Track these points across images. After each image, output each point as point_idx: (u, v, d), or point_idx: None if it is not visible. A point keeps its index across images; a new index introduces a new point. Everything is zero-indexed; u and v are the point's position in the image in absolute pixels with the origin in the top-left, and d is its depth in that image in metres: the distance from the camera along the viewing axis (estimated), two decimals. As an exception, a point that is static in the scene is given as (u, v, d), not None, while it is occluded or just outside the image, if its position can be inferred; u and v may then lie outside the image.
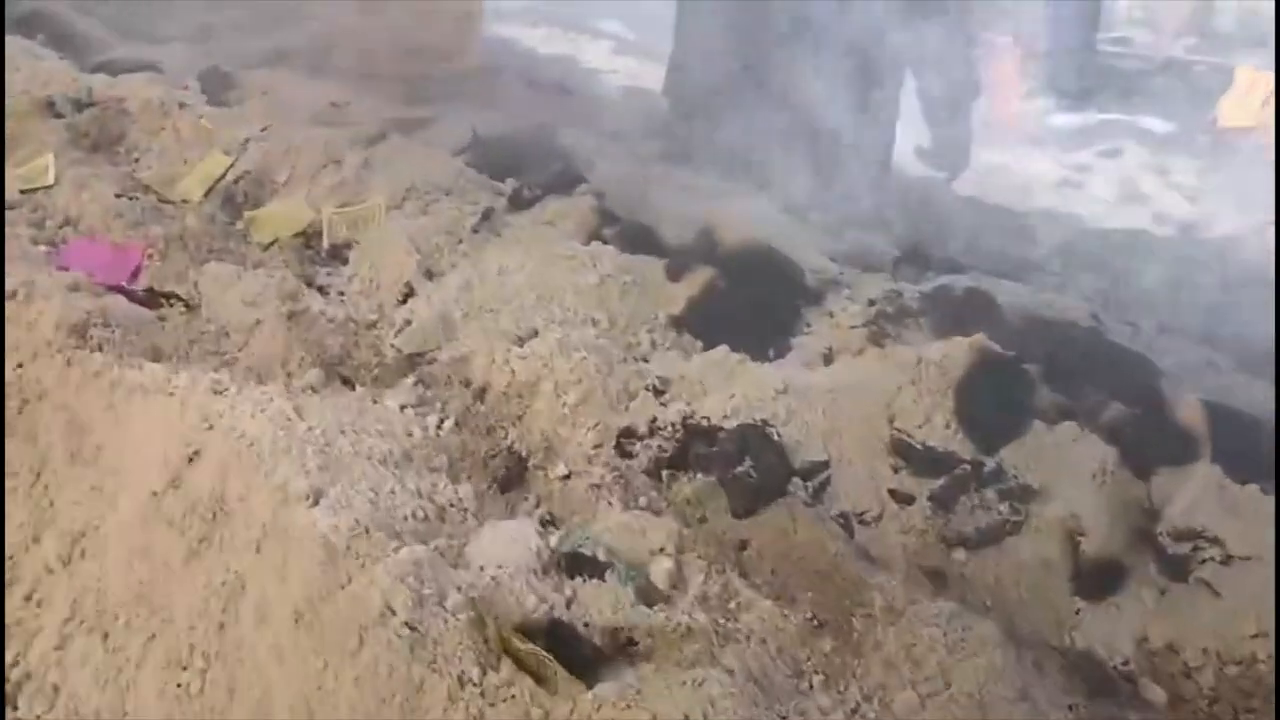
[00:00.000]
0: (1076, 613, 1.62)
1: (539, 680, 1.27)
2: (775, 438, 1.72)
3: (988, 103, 9.01)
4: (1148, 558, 1.67)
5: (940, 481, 1.74)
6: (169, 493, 1.56)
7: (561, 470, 1.78)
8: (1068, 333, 2.07)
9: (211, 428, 1.63)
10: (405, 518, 1.57)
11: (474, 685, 1.21)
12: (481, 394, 1.95)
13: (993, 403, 1.79)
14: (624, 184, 2.79)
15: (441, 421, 1.89)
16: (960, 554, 1.70)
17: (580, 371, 1.91)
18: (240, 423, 1.61)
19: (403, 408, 1.91)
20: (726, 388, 1.92)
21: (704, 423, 1.78)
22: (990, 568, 1.68)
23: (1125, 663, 1.56)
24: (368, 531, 1.39)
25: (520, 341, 2.04)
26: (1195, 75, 10.62)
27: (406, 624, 1.23)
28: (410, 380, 2.03)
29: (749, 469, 1.68)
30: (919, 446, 1.76)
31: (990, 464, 1.74)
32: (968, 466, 1.74)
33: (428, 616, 1.25)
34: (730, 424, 1.76)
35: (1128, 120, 9.45)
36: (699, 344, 2.21)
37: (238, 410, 1.66)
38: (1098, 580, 1.64)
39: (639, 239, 2.45)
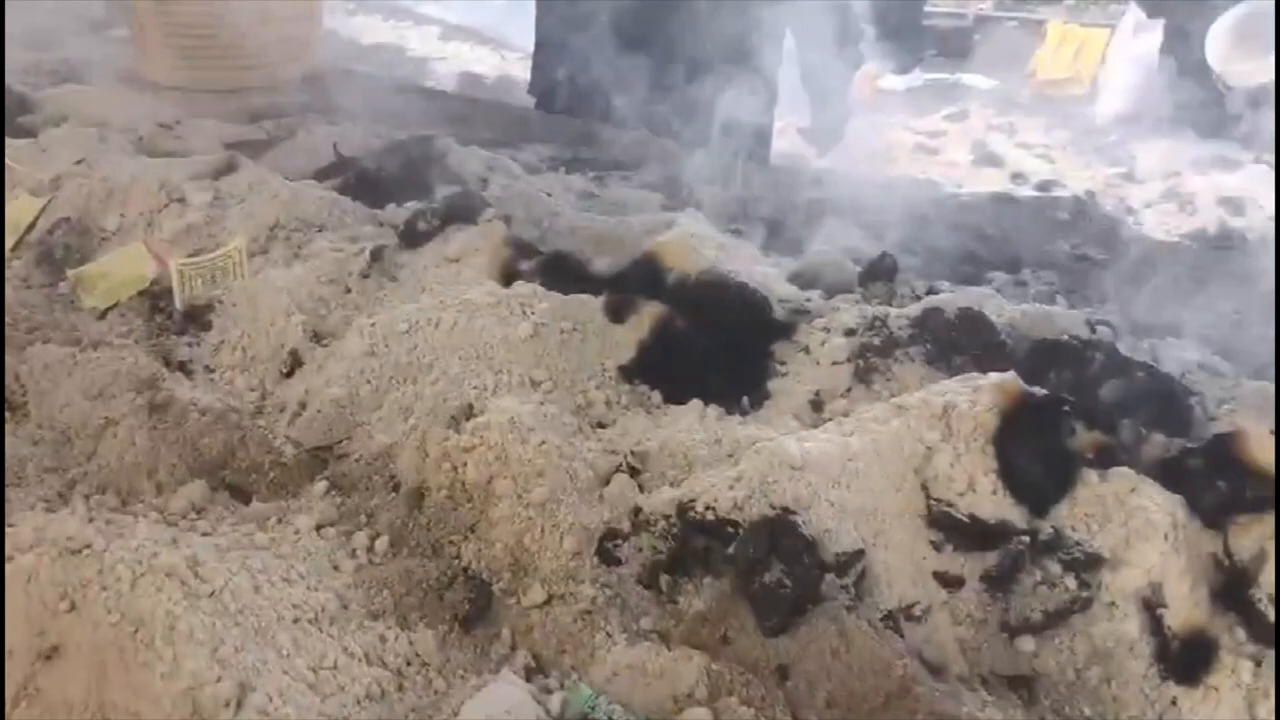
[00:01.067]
0: (1174, 703, 1.37)
1: None
2: (803, 529, 1.40)
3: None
4: (1232, 623, 1.44)
5: (993, 557, 1.46)
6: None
7: (538, 594, 1.42)
8: (1076, 351, 1.82)
9: (74, 608, 1.20)
10: (358, 700, 1.19)
11: None
12: (418, 499, 1.56)
13: (1037, 454, 1.52)
14: (529, 204, 2.42)
15: (373, 542, 1.50)
16: (1028, 643, 1.43)
17: (542, 458, 1.54)
18: (118, 598, 1.19)
19: (319, 528, 1.51)
20: (720, 459, 1.60)
21: (709, 514, 1.44)
22: (1066, 658, 1.41)
23: (1243, 761, 1.33)
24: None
25: (455, 422, 1.66)
26: (1007, 31, 10.89)
27: None
28: (320, 486, 1.62)
29: (780, 576, 1.35)
30: (964, 518, 1.48)
31: (1046, 529, 1.48)
32: (1024, 537, 1.46)
33: None
34: (742, 513, 1.43)
35: (951, 79, 9.61)
36: (657, 395, 1.88)
37: (109, 575, 1.23)
38: (1188, 659, 1.40)
39: (565, 273, 2.09)
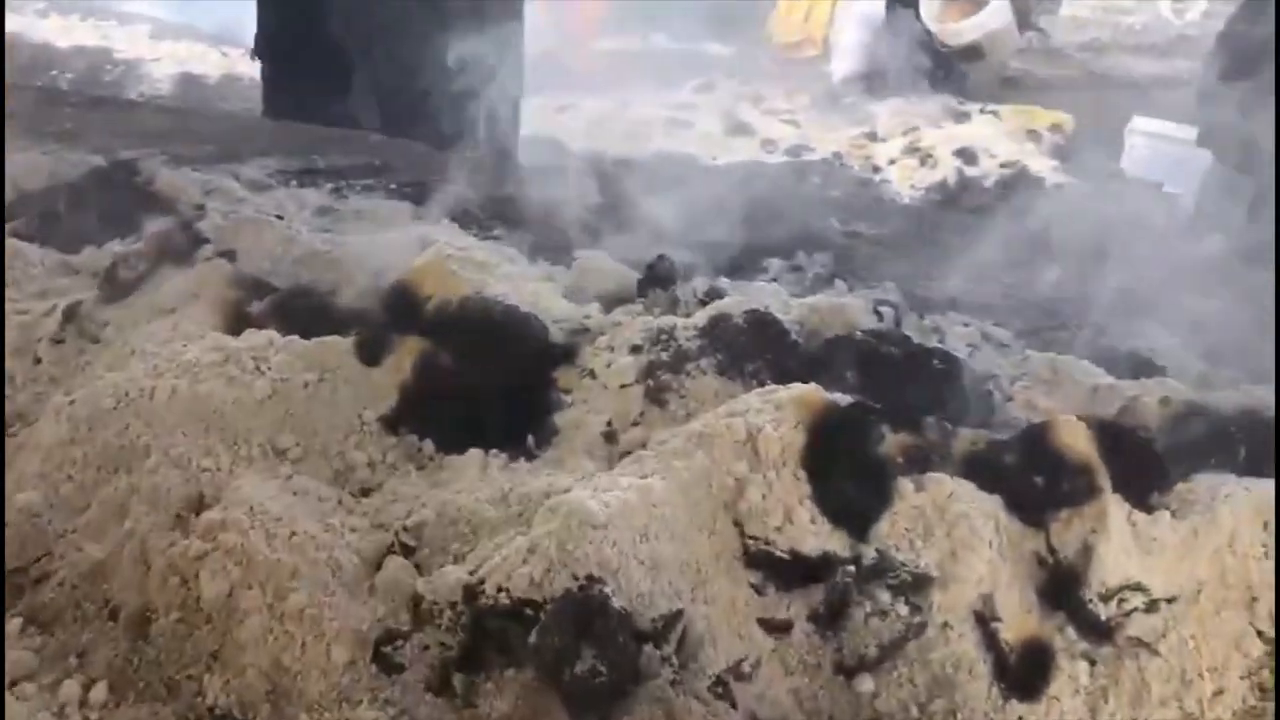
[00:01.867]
0: (1019, 721, 1.29)
1: None
2: (613, 603, 1.21)
3: (571, 50, 8.84)
4: (1062, 624, 1.37)
5: (819, 593, 1.33)
6: None
7: (306, 726, 1.17)
8: (867, 345, 1.72)
9: None
10: None
11: None
12: (142, 626, 1.27)
13: (850, 470, 1.40)
14: (258, 231, 2.10)
15: (87, 692, 1.20)
16: (866, 682, 1.31)
17: (294, 555, 1.29)
18: None
19: (13, 685, 1.20)
20: (510, 520, 1.39)
21: (502, 597, 1.23)
22: (906, 691, 1.30)
23: (1093, 774, 1.26)
24: None
25: (182, 522, 1.37)
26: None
27: None
28: (14, 625, 1.30)
29: (593, 663, 1.17)
30: (785, 554, 1.34)
31: (870, 553, 1.36)
32: (850, 566, 1.34)
33: None
34: (542, 590, 1.23)
35: (691, 49, 9.71)
36: (429, 445, 1.64)
37: None
38: (1027, 672, 1.32)
39: (306, 312, 1.81)
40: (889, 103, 7.80)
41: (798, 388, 1.48)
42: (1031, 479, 1.41)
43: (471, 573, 1.29)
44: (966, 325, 2.08)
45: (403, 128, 3.54)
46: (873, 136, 7.25)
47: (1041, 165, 6.73)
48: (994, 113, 7.46)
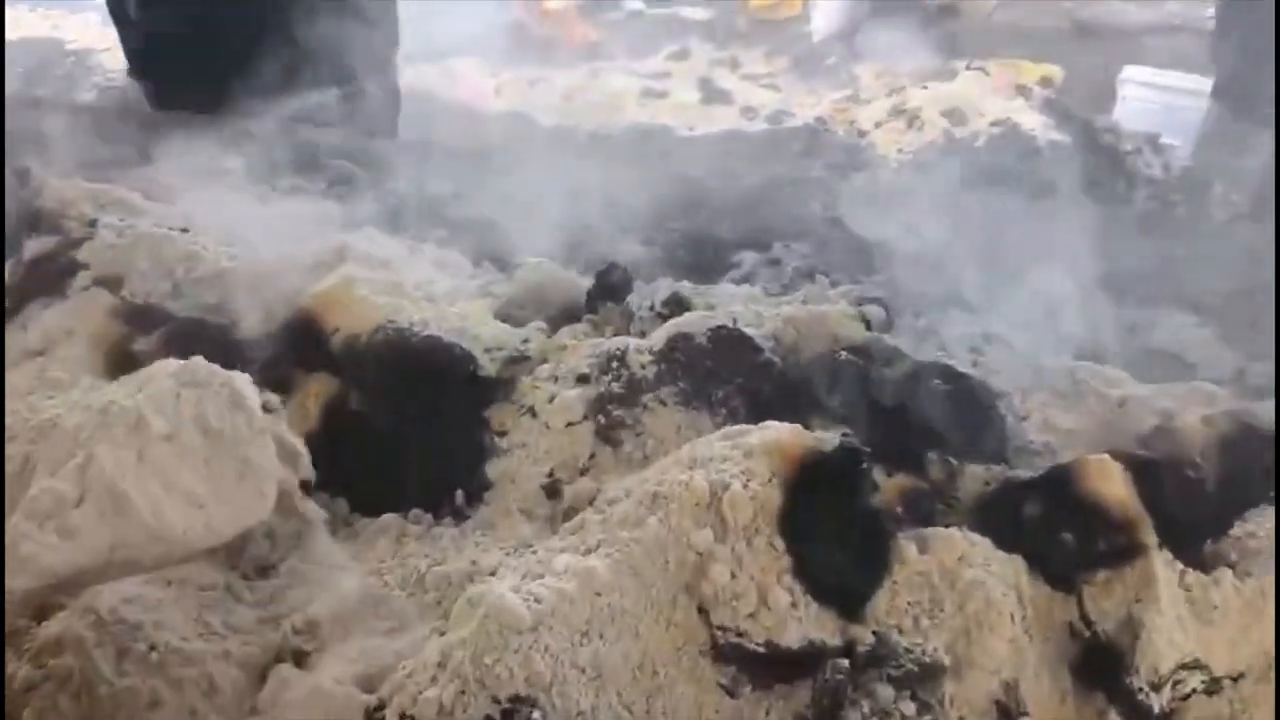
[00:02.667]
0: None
1: None
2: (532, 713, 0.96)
3: (544, 24, 8.52)
4: (1102, 707, 1.12)
5: (806, 693, 1.08)
6: None
7: None
8: (853, 365, 1.47)
9: None
10: None
11: None
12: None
13: (839, 534, 1.15)
14: (156, 249, 1.82)
15: None
16: (868, 801, 1.06)
17: (156, 676, 1.03)
18: None
19: None
20: (425, 610, 1.14)
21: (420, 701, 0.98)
22: (917, 809, 1.06)
23: None
24: None
25: (17, 635, 1.11)
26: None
27: None
28: None
29: (520, 816, 0.92)
30: (760, 648, 1.08)
31: (866, 638, 1.11)
32: (842, 659, 1.09)
33: None
34: (456, 718, 0.97)
35: (666, 13, 9.39)
36: (342, 505, 1.39)
37: None
38: (1063, 775, 1.08)
39: (203, 345, 1.54)
40: (872, 63, 7.49)
41: (772, 428, 1.22)
42: (1060, 534, 1.16)
43: (369, 689, 1.04)
44: (967, 326, 1.82)
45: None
46: (856, 99, 6.95)
47: (1033, 122, 6.45)
48: (981, 69, 7.16)
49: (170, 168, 2.39)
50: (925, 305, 1.93)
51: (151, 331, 1.61)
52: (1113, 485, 1.15)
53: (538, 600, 1.04)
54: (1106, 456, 1.18)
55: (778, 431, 1.21)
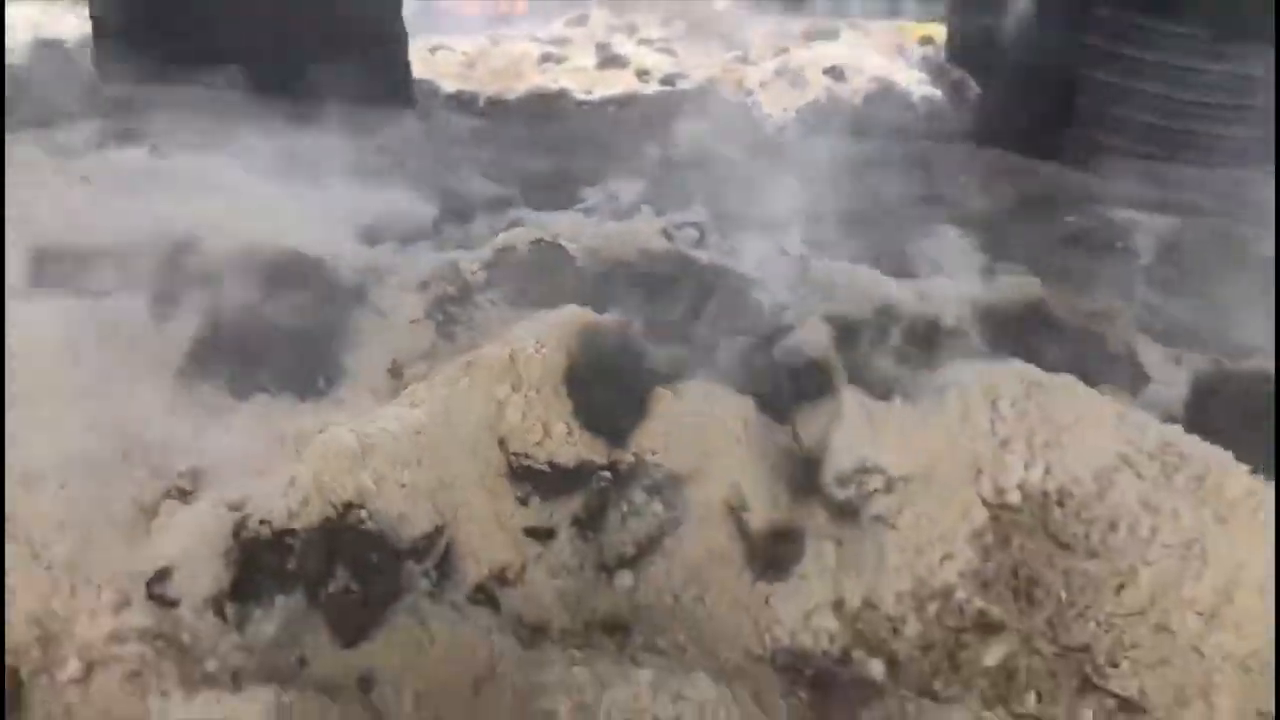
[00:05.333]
0: (767, 601, 1.40)
1: None
2: (368, 525, 1.29)
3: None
4: (815, 509, 1.48)
5: (580, 499, 1.42)
6: None
7: (75, 667, 1.23)
8: (651, 267, 1.81)
9: None
10: None
11: None
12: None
13: (611, 385, 1.49)
14: (66, 200, 2.08)
15: None
16: (625, 578, 1.40)
17: (64, 506, 1.33)
18: None
19: None
20: (283, 463, 1.45)
21: (264, 529, 1.30)
22: (663, 583, 1.40)
23: (832, 640, 1.37)
24: None
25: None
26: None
27: None
28: None
29: (348, 582, 1.24)
30: (544, 467, 1.42)
31: (628, 459, 1.45)
32: (605, 471, 1.43)
33: None
34: (300, 519, 1.29)
35: None
36: (224, 393, 1.68)
37: None
38: (775, 555, 1.43)
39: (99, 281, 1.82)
40: (763, 25, 7.82)
41: (564, 310, 1.55)
42: (772, 375, 1.51)
43: (237, 508, 1.35)
44: (769, 242, 2.16)
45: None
46: (744, 60, 7.29)
47: (908, 79, 6.84)
48: (862, 29, 7.54)
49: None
50: (736, 228, 2.27)
51: (54, 264, 1.88)
52: (818, 339, 1.51)
53: (368, 436, 1.36)
54: (817, 319, 1.53)
55: (568, 311, 1.55)
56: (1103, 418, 1.47)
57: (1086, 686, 1.33)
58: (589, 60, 7.68)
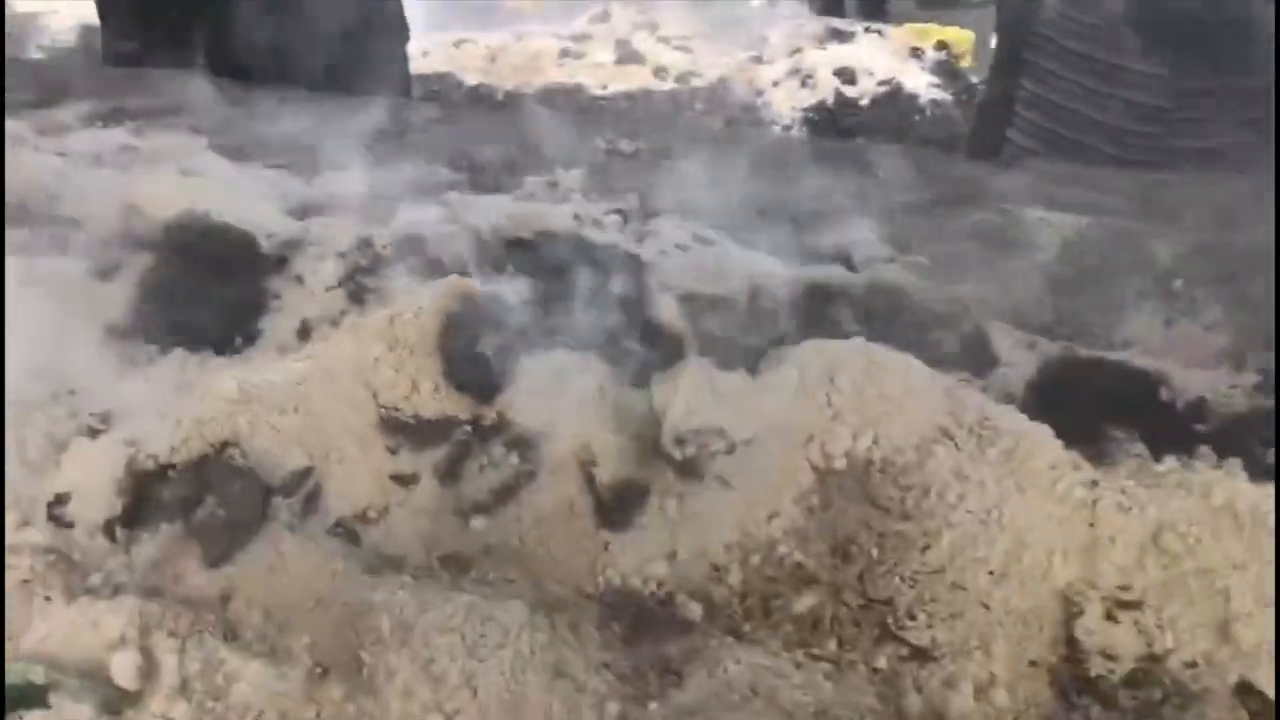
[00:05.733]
0: (606, 547, 1.54)
1: None
2: (239, 461, 1.45)
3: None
4: (664, 469, 1.62)
5: (443, 451, 1.58)
6: None
7: (-24, 577, 1.40)
8: (549, 247, 1.95)
9: None
10: None
11: None
12: None
13: (480, 349, 1.64)
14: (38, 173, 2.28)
15: None
16: (479, 522, 1.55)
17: (-21, 439, 1.51)
18: None
19: None
20: (174, 409, 1.61)
21: (150, 464, 1.47)
22: (513, 528, 1.55)
23: (660, 585, 1.51)
24: None
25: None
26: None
27: None
28: None
29: (215, 509, 1.41)
30: (410, 420, 1.57)
31: (491, 416, 1.60)
32: (468, 427, 1.58)
33: None
34: (180, 454, 1.46)
35: None
36: (153, 350, 1.86)
37: None
38: (620, 507, 1.57)
39: (53, 244, 2.01)
40: (782, 26, 7.92)
41: (446, 280, 1.71)
42: (641, 347, 1.65)
43: (132, 445, 1.52)
44: (679, 227, 2.30)
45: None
46: (759, 60, 7.40)
47: (919, 82, 6.91)
48: (879, 32, 7.60)
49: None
50: (659, 216, 2.41)
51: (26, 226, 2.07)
52: (672, 314, 1.64)
53: (250, 384, 1.52)
54: (672, 296, 1.67)
55: (447, 281, 1.70)
56: (932, 394, 1.59)
57: (885, 635, 1.45)
58: (608, 56, 7.84)
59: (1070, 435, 1.59)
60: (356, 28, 3.77)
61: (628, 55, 7.62)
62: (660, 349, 1.65)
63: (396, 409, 1.58)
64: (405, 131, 3.20)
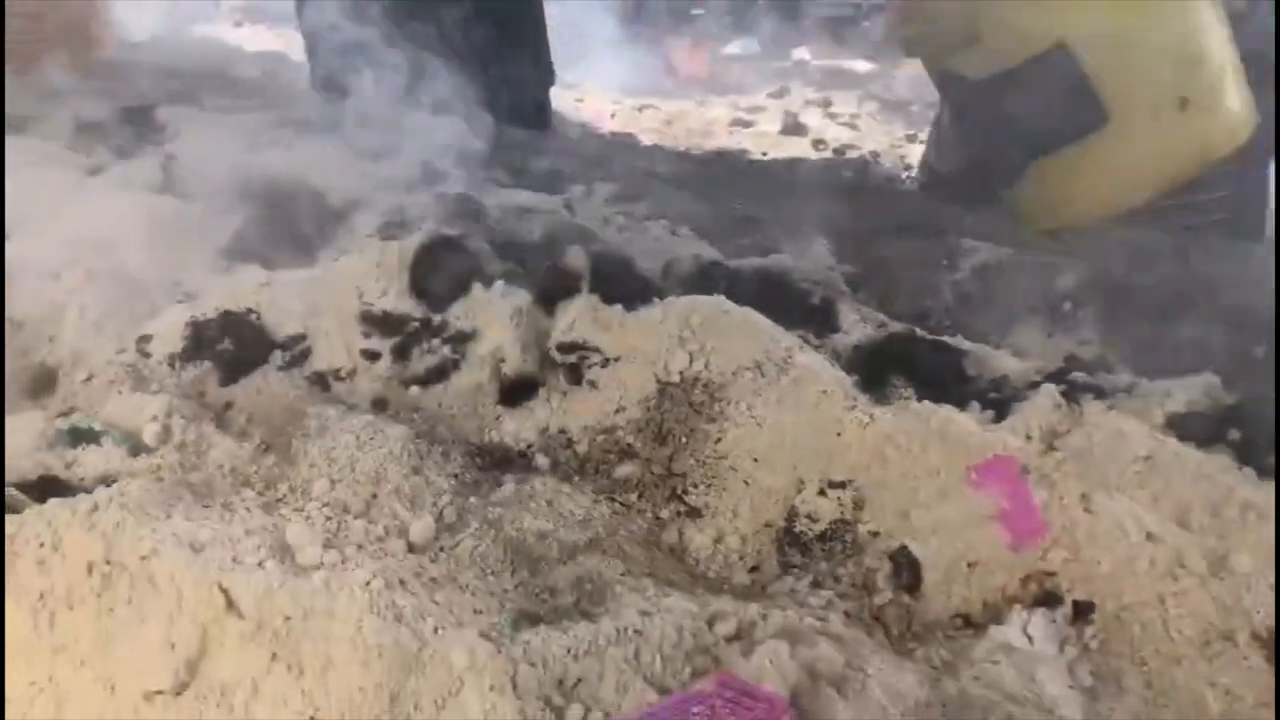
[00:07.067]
0: (498, 418, 2.11)
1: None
2: (255, 320, 2.13)
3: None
4: (558, 371, 2.17)
5: (399, 338, 2.20)
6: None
7: (84, 374, 2.13)
8: (538, 225, 2.57)
9: None
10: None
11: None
12: (20, 326, 2.27)
13: (441, 274, 2.26)
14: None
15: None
16: (414, 390, 2.16)
17: (104, 296, 2.27)
18: None
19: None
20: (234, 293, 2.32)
21: (200, 319, 2.17)
22: (437, 397, 2.15)
23: (529, 445, 2.07)
24: None
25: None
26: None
27: None
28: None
29: (229, 346, 2.09)
30: (380, 313, 2.21)
31: (438, 319, 2.22)
32: (418, 323, 2.20)
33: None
34: (215, 314, 2.16)
35: (834, 65, 10.38)
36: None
37: None
38: (517, 393, 2.14)
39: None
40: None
41: (432, 227, 2.35)
42: (550, 283, 2.23)
43: (197, 309, 2.23)
44: (664, 225, 2.87)
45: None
46: (913, 138, 7.81)
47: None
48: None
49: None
50: (656, 220, 2.99)
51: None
52: (574, 261, 2.22)
53: (275, 276, 2.21)
54: (580, 249, 2.25)
55: (432, 228, 2.34)
56: (760, 340, 2.08)
57: (672, 496, 1.95)
58: (775, 127, 8.46)
59: (866, 381, 2.05)
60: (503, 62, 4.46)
61: (792, 126, 8.22)
62: (567, 285, 2.22)
63: (372, 305, 2.22)
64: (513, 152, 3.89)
